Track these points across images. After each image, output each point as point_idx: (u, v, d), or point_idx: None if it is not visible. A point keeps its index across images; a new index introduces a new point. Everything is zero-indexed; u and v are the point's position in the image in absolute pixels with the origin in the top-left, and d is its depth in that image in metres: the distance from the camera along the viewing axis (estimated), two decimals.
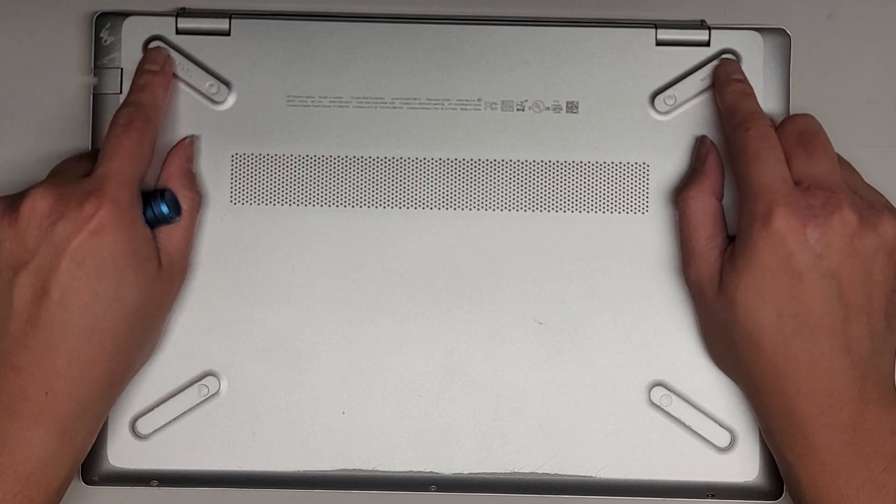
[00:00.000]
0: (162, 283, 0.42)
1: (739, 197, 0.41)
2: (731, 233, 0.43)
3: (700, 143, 0.45)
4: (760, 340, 0.39)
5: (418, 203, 0.45)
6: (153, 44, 0.45)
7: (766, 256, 0.39)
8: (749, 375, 0.41)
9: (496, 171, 0.45)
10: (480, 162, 0.45)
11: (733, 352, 0.41)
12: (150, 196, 0.42)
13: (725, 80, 0.44)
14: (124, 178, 0.40)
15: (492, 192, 0.45)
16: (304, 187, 0.45)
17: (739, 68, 0.45)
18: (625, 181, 0.45)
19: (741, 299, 0.40)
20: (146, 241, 0.41)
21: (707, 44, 0.46)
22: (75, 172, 0.42)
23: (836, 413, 0.39)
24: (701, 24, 0.46)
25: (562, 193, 0.45)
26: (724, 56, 0.45)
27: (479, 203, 0.45)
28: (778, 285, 0.39)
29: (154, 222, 0.42)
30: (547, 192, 0.45)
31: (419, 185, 0.45)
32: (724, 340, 0.42)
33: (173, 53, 0.45)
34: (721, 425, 0.45)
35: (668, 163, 0.45)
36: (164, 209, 0.42)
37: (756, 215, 0.39)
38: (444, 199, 0.45)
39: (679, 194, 0.44)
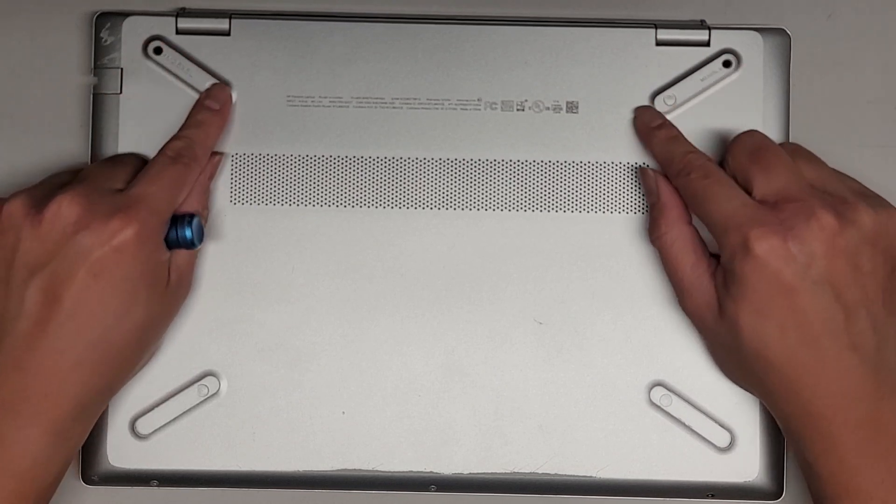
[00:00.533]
0: (169, 299, 0.42)
1: (713, 236, 0.41)
2: (712, 250, 0.43)
3: (645, 177, 0.44)
4: (768, 356, 0.39)
5: (418, 203, 0.45)
6: (154, 43, 0.45)
7: (756, 281, 0.39)
8: (763, 387, 0.41)
9: (496, 171, 0.45)
10: (480, 162, 0.45)
11: (744, 369, 0.42)
12: (177, 219, 0.42)
13: (646, 131, 0.44)
14: (157, 205, 0.41)
15: (492, 192, 0.45)
16: (304, 187, 0.45)
17: (656, 113, 0.45)
18: (625, 181, 0.45)
19: (743, 322, 0.40)
20: (162, 264, 0.41)
21: (707, 44, 0.46)
22: (108, 183, 0.41)
23: (852, 410, 0.39)
24: (701, 24, 0.46)
25: (562, 193, 0.45)
26: (637, 107, 0.45)
27: (479, 203, 0.45)
28: (775, 303, 0.39)
29: (174, 244, 0.42)
30: (547, 192, 0.45)
31: (419, 185, 0.45)
32: (733, 360, 0.42)
33: (173, 54, 0.45)
34: (721, 425, 0.45)
35: None
36: (189, 236, 0.42)
37: (735, 248, 0.39)
38: (444, 199, 0.45)
39: (652, 234, 0.44)
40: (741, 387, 0.44)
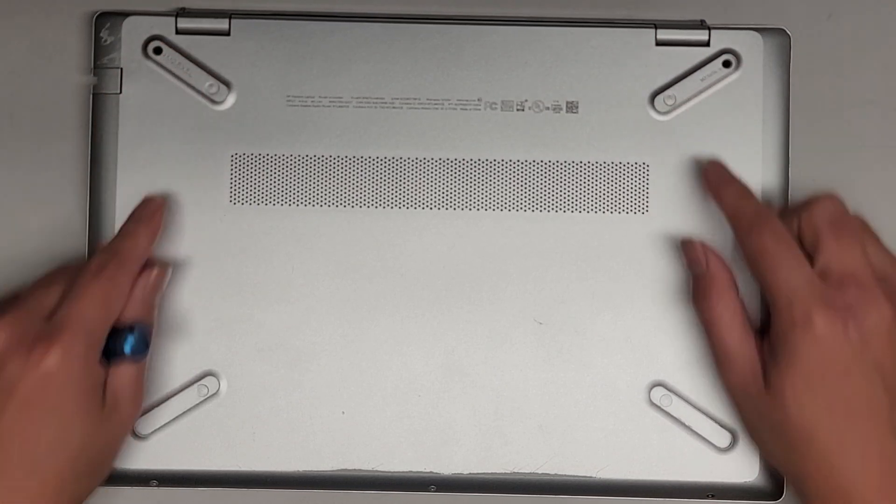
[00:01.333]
0: (107, 423, 0.41)
1: (769, 300, 0.41)
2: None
3: (690, 248, 0.44)
4: (814, 435, 0.40)
5: (418, 203, 0.45)
6: (153, 43, 0.45)
7: (811, 358, 0.39)
8: (802, 465, 0.41)
9: (496, 171, 0.45)
10: (480, 162, 0.45)
11: (786, 447, 0.41)
12: (117, 332, 0.42)
13: (719, 185, 0.44)
14: (84, 324, 0.40)
15: (492, 192, 0.45)
16: (304, 187, 0.45)
17: (725, 169, 0.44)
18: (625, 181, 0.45)
19: (791, 398, 0.40)
20: (95, 386, 0.41)
21: (707, 44, 0.46)
22: (41, 305, 0.41)
23: (888, 496, 0.39)
24: (701, 24, 0.46)
25: (562, 193, 0.45)
26: (710, 160, 0.45)
27: (479, 203, 0.45)
28: (826, 383, 0.39)
29: (114, 356, 0.42)
30: (547, 192, 0.45)
31: (419, 185, 0.45)
32: (776, 437, 0.42)
33: (173, 54, 0.45)
34: (721, 425, 0.45)
35: (668, 163, 0.45)
36: (126, 350, 0.42)
37: (795, 321, 0.39)
38: (444, 199, 0.45)
39: (700, 303, 0.43)
40: (776, 465, 0.43)
